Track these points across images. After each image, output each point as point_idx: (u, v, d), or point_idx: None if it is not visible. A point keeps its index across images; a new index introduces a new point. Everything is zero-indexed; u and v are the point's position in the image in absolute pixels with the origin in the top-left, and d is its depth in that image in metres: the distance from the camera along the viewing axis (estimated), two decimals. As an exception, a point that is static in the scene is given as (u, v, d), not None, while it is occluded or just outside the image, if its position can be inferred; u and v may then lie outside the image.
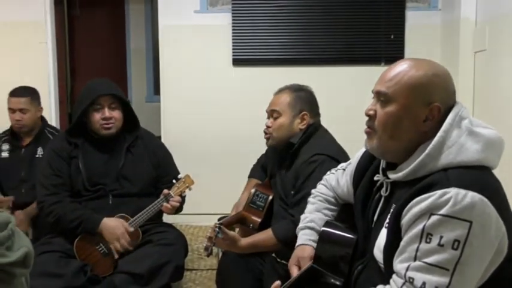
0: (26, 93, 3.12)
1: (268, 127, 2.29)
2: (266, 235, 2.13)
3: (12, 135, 3.15)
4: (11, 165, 3.10)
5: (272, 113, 2.29)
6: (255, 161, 2.70)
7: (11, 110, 3.08)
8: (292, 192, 2.16)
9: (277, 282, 1.18)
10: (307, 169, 2.10)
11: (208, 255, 2.07)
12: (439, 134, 1.22)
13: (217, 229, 1.96)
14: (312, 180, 1.96)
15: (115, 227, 2.40)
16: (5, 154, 3.14)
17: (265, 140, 2.34)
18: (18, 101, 3.08)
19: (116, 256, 2.41)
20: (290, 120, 2.25)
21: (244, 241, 2.10)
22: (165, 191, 2.45)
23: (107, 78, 2.75)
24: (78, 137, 2.55)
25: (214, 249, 2.40)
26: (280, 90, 2.33)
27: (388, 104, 1.28)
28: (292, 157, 2.22)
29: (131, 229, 2.42)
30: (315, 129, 2.26)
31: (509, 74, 2.78)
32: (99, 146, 2.57)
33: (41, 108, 3.21)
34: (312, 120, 2.28)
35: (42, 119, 3.24)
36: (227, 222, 2.23)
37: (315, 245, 1.62)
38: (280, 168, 2.32)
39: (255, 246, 2.13)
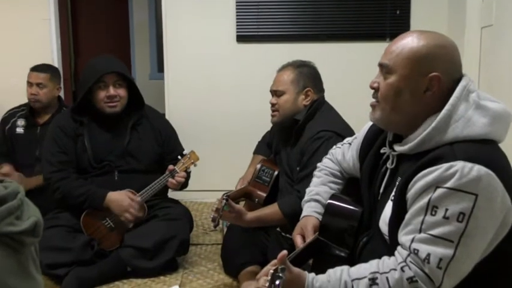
0: (46, 70, 3.16)
1: (273, 104, 2.29)
2: (272, 209, 2.15)
3: (30, 111, 3.17)
4: (26, 143, 3.12)
5: (276, 92, 2.28)
6: (259, 138, 2.71)
7: (29, 84, 3.12)
8: (298, 168, 2.16)
9: (284, 252, 1.19)
10: (312, 145, 2.11)
11: (215, 226, 2.10)
12: (446, 108, 1.22)
13: (224, 200, 1.98)
14: (318, 157, 1.96)
15: (121, 199, 2.42)
16: (19, 130, 3.16)
17: (270, 118, 2.34)
18: (37, 75, 3.11)
19: (131, 225, 2.45)
20: (294, 97, 2.24)
21: (250, 215, 2.12)
22: (171, 166, 2.47)
23: (111, 56, 2.73)
24: (84, 115, 2.55)
25: (220, 225, 2.41)
26: (283, 68, 2.32)
27: (390, 76, 1.29)
28: (297, 134, 2.22)
29: (138, 198, 2.44)
30: (320, 105, 2.25)
31: (516, 49, 2.76)
32: (105, 124, 2.57)
33: (59, 87, 3.21)
34: (316, 96, 2.27)
35: (60, 99, 3.26)
36: (233, 196, 2.24)
37: (319, 216, 1.63)
38: (285, 144, 2.32)
39: (261, 220, 2.14)
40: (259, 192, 2.35)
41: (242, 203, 2.44)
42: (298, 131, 2.22)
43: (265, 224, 2.20)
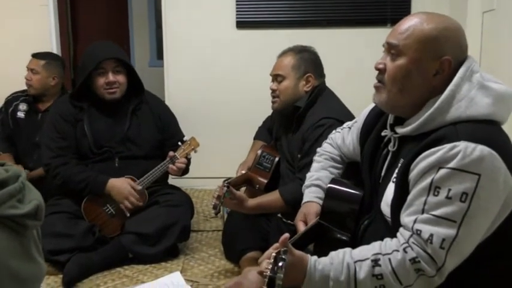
0: (44, 57, 3.17)
1: (273, 91, 2.27)
2: (273, 197, 2.14)
3: (33, 97, 3.17)
4: (26, 128, 3.13)
5: (276, 77, 2.26)
6: (260, 124, 2.70)
7: (27, 69, 3.14)
8: (299, 155, 2.15)
9: (286, 235, 1.19)
10: (314, 133, 2.09)
11: (216, 214, 2.10)
12: (449, 88, 1.22)
13: (225, 188, 1.98)
14: (320, 144, 1.95)
15: (122, 186, 2.42)
16: (21, 114, 3.16)
17: (270, 103, 2.32)
18: (33, 61, 3.14)
19: (128, 214, 2.45)
20: (295, 82, 2.22)
21: (252, 202, 2.11)
22: (171, 153, 2.47)
23: (110, 41, 2.71)
24: (83, 101, 2.54)
25: (220, 211, 2.41)
26: (284, 53, 2.29)
27: (399, 57, 1.27)
28: (298, 120, 2.21)
29: (138, 187, 2.44)
30: (321, 91, 2.24)
31: (518, 34, 2.74)
32: (105, 110, 2.56)
33: (55, 77, 3.17)
34: (317, 81, 2.25)
35: (63, 88, 3.26)
36: (234, 183, 2.24)
37: (321, 202, 1.63)
38: (286, 131, 2.31)
39: (262, 207, 2.14)
40: (260, 179, 2.34)
41: (243, 189, 2.44)
42: (299, 118, 2.21)
43: (266, 211, 2.20)
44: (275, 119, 2.49)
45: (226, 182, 2.05)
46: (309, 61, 2.25)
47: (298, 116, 2.20)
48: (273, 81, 2.29)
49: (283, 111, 2.29)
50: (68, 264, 2.24)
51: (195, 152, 2.52)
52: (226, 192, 2.01)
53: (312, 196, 1.69)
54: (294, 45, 2.32)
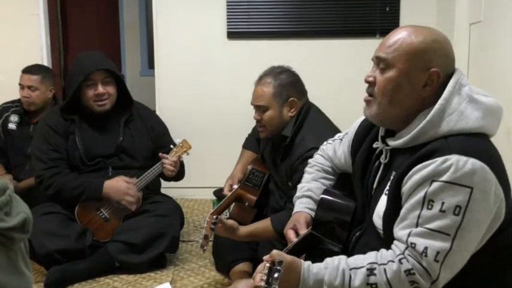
0: (38, 71, 3.11)
1: (258, 120, 2.20)
2: (265, 225, 2.11)
3: (24, 109, 3.13)
4: (18, 140, 3.09)
5: (258, 108, 2.18)
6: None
7: (21, 86, 3.08)
8: (290, 184, 2.11)
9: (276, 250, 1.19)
10: (303, 164, 1.98)
11: (204, 252, 2.12)
12: (439, 102, 1.23)
13: (212, 226, 1.99)
14: None
15: (117, 184, 2.41)
16: (12, 126, 3.12)
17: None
18: (28, 78, 3.07)
19: (133, 209, 2.44)
20: (279, 110, 2.14)
21: (243, 230, 2.09)
22: (163, 154, 2.46)
23: (98, 51, 2.68)
24: (74, 113, 2.52)
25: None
26: (261, 79, 2.19)
27: (388, 70, 1.28)
28: (286, 148, 2.15)
29: (134, 180, 2.43)
30: (306, 113, 2.17)
31: (504, 46, 2.77)
32: (96, 122, 2.54)
33: (52, 88, 3.16)
34: (301, 102, 2.18)
35: (55, 98, 3.22)
36: (223, 208, 2.25)
37: (311, 212, 1.63)
38: (273, 154, 2.27)
39: (253, 235, 2.12)
40: (249, 196, 2.31)
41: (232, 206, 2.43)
42: (287, 146, 2.15)
43: (258, 239, 2.19)
44: (262, 139, 2.42)
45: (215, 218, 2.02)
46: (289, 84, 2.15)
47: (287, 144, 2.14)
48: (256, 110, 2.21)
49: (270, 139, 2.26)
50: (51, 271, 2.23)
51: (188, 154, 2.51)
52: (214, 229, 2.02)
53: (302, 207, 1.68)
54: (270, 68, 2.22)
